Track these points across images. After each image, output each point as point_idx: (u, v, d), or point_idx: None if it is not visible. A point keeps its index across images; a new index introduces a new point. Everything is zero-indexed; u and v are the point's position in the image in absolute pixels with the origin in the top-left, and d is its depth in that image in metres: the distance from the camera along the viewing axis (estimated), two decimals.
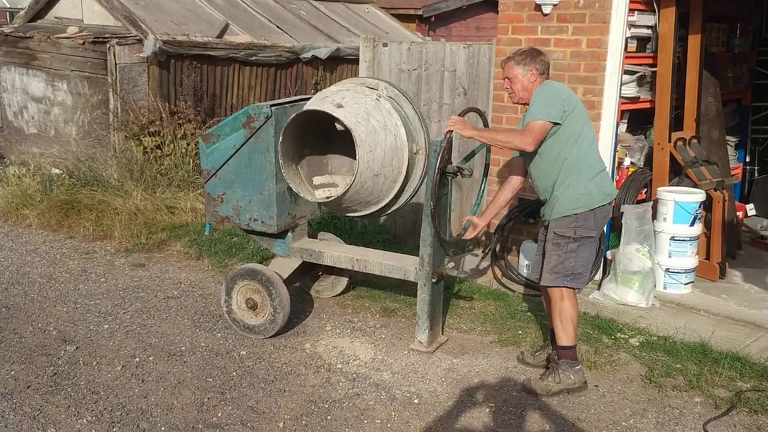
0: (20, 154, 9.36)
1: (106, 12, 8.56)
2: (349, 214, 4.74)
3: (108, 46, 7.92)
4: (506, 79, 4.18)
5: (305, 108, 4.35)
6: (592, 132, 4.10)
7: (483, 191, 4.89)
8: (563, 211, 4.03)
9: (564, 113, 3.93)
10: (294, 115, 4.34)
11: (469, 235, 4.55)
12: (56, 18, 9.25)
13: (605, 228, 5.49)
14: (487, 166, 4.86)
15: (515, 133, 4.13)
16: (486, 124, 4.78)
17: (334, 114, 4.19)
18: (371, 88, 4.52)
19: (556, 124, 3.93)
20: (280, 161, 4.37)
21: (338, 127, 4.36)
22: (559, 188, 4.04)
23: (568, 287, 4.05)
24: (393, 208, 4.70)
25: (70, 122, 8.72)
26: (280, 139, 4.33)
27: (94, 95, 8.31)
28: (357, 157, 4.17)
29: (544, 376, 4.13)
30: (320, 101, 4.36)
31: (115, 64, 7.89)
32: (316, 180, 4.66)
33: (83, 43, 8.25)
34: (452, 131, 4.25)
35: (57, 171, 8.08)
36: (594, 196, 3.99)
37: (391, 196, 4.52)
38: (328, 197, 4.46)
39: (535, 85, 4.08)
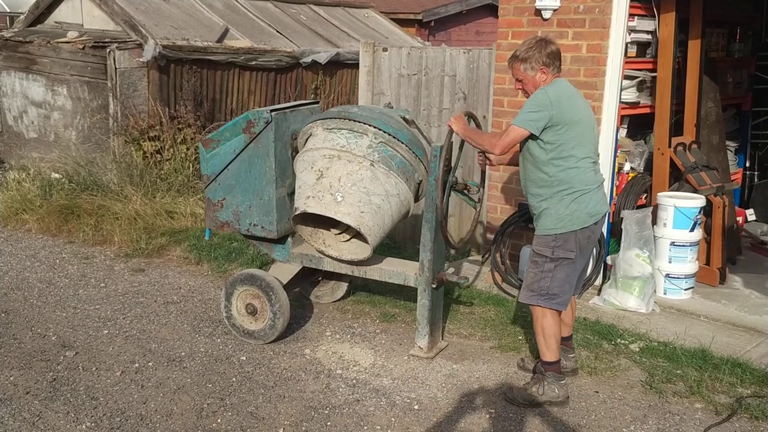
0: (20, 159, 9.36)
1: (106, 17, 8.56)
2: None
3: (108, 50, 7.92)
4: (517, 81, 4.00)
5: (308, 208, 4.38)
6: (589, 148, 3.88)
7: (483, 196, 4.87)
8: (543, 229, 3.92)
9: (547, 126, 3.74)
10: (296, 213, 4.44)
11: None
12: (56, 23, 9.26)
13: (606, 233, 5.50)
14: (483, 173, 4.82)
15: (488, 136, 4.10)
16: (478, 127, 4.70)
17: (337, 217, 4.31)
18: (361, 134, 4.38)
19: (533, 134, 3.78)
20: (300, 233, 4.57)
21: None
22: (542, 203, 3.91)
23: (542, 307, 3.95)
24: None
25: (69, 127, 8.72)
26: (291, 220, 4.52)
27: (94, 100, 8.32)
28: (369, 242, 4.37)
29: (528, 385, 4.08)
30: (318, 189, 4.36)
31: (115, 68, 7.90)
32: (334, 231, 4.78)
33: (83, 48, 8.26)
34: (452, 130, 4.24)
35: (57, 176, 8.08)
36: (576, 218, 3.83)
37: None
38: (353, 258, 4.64)
39: (547, 81, 3.88)
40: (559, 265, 3.90)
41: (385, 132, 4.41)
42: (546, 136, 3.80)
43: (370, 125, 4.41)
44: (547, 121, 3.76)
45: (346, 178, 4.33)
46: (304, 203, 4.40)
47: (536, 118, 3.76)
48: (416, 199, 4.68)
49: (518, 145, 3.96)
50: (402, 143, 4.44)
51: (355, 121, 4.42)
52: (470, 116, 4.61)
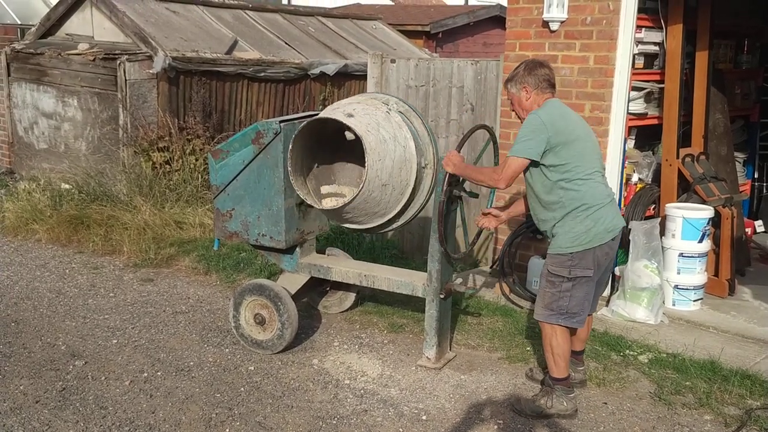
0: (30, 170, 9.43)
1: (117, 29, 8.64)
2: (354, 226, 4.65)
3: (118, 62, 7.99)
4: (510, 104, 4.04)
5: (319, 116, 4.38)
6: (594, 162, 3.84)
7: (491, 201, 4.87)
8: (558, 248, 3.83)
9: (546, 149, 3.70)
10: (306, 122, 4.34)
11: (488, 224, 4.37)
12: (67, 35, 9.34)
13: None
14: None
15: (488, 171, 4.05)
16: (495, 141, 4.72)
17: (345, 122, 4.20)
18: (383, 103, 4.54)
19: (534, 161, 3.74)
20: (289, 168, 4.36)
21: (348, 136, 4.36)
22: (555, 226, 3.85)
23: (561, 326, 3.90)
24: (399, 223, 4.66)
25: (80, 138, 8.79)
26: (290, 146, 4.33)
27: (104, 111, 8.38)
28: (366, 165, 4.14)
29: (537, 397, 4.06)
30: (332, 111, 4.39)
31: (125, 80, 7.96)
32: (324, 189, 4.66)
33: (94, 60, 8.32)
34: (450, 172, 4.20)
35: (67, 186, 8.13)
36: (593, 235, 3.76)
37: (398, 208, 4.47)
38: (335, 205, 4.46)
39: (532, 102, 3.86)
40: (578, 284, 3.83)
41: (404, 103, 4.61)
42: (548, 160, 3.75)
43: (391, 96, 4.64)
44: (546, 144, 3.71)
45: (362, 110, 4.33)
46: (314, 117, 4.39)
47: (534, 144, 3.72)
48: (416, 186, 4.48)
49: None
50: (418, 117, 4.55)
51: (378, 93, 4.72)
52: (486, 128, 4.60)
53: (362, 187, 4.19)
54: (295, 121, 4.72)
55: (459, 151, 4.27)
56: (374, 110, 4.41)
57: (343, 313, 5.44)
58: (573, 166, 3.76)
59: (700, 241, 5.43)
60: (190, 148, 7.88)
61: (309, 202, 4.46)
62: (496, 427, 3.92)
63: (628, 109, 5.46)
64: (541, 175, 3.82)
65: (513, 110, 4.06)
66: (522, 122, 3.91)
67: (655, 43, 5.79)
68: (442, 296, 4.49)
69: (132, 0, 8.88)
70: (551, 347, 3.94)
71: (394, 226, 4.70)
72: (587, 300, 3.93)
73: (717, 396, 4.16)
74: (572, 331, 4.03)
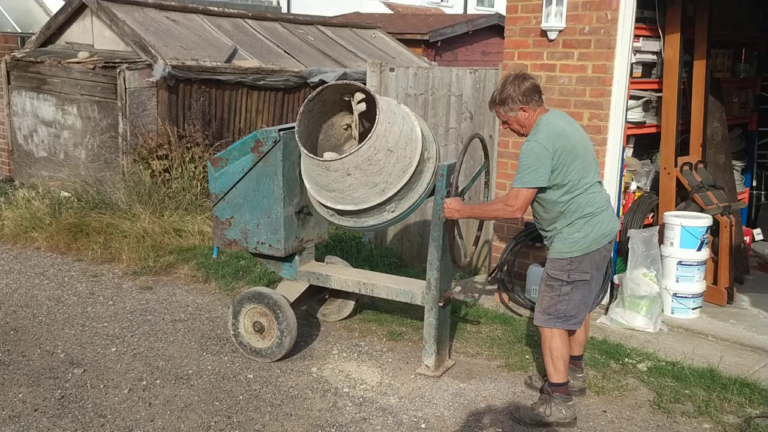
0: (30, 177, 9.43)
1: (117, 37, 8.66)
2: (349, 207, 4.43)
3: (118, 70, 8.01)
4: (503, 123, 4.08)
5: (332, 83, 4.39)
6: (594, 173, 3.94)
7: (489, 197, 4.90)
8: (557, 253, 3.93)
9: (553, 172, 3.80)
10: (321, 87, 4.34)
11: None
12: (67, 43, 9.36)
13: (613, 252, 5.49)
14: (487, 183, 4.90)
15: (501, 203, 4.06)
16: (486, 152, 4.76)
17: (359, 84, 4.26)
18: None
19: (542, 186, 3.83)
20: (297, 129, 4.30)
21: (358, 109, 4.39)
22: (554, 231, 3.95)
23: (554, 328, 3.97)
24: (394, 215, 4.46)
25: (79, 146, 8.80)
26: (301, 109, 4.32)
27: (104, 119, 8.39)
28: (377, 120, 4.09)
29: (535, 405, 4.07)
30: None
31: (125, 88, 7.98)
32: (327, 155, 4.57)
33: (94, 68, 8.35)
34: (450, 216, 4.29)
35: (66, 194, 8.14)
36: (590, 240, 3.87)
37: (398, 186, 4.30)
38: (335, 157, 4.33)
39: (530, 117, 3.91)
40: (576, 287, 3.93)
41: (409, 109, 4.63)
42: (550, 181, 3.84)
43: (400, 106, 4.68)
44: (551, 169, 3.79)
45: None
46: (330, 84, 4.43)
47: (541, 172, 3.79)
48: (417, 172, 4.38)
49: None
50: (423, 121, 4.56)
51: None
52: (479, 138, 4.65)
53: (370, 137, 4.09)
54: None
55: (458, 191, 4.35)
56: (386, 98, 4.51)
57: (342, 321, 5.44)
58: (575, 182, 3.85)
59: (699, 249, 5.44)
60: (190, 156, 7.89)
61: (308, 155, 4.30)
62: None
63: (626, 118, 5.48)
64: (543, 193, 3.89)
65: (509, 129, 4.07)
66: (522, 137, 4.01)
67: (653, 53, 5.82)
68: (441, 304, 4.50)
69: (132, 9, 8.91)
70: (550, 350, 3.98)
71: (389, 218, 4.48)
72: (584, 303, 4.00)
73: (716, 404, 4.16)
74: (570, 333, 4.09)
